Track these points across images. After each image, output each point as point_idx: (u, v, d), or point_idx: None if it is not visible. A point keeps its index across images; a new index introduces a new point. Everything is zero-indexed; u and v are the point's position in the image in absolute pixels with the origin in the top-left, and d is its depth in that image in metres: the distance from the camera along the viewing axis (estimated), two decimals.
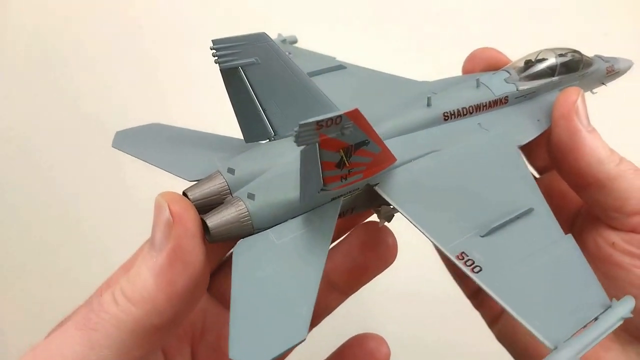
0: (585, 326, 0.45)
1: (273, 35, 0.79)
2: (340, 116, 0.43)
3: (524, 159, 0.62)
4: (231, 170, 0.54)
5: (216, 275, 0.66)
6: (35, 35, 1.43)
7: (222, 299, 0.66)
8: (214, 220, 0.50)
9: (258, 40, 0.52)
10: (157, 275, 0.46)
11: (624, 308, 0.46)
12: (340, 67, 0.74)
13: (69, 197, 1.30)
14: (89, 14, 1.43)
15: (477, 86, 0.66)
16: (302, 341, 0.43)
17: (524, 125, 0.66)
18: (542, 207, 0.54)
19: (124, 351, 0.45)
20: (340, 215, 0.58)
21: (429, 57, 1.22)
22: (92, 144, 1.19)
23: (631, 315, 0.46)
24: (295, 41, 0.81)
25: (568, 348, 0.43)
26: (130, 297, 0.46)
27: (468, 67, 0.75)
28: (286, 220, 0.52)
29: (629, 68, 0.81)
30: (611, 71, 0.77)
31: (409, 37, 1.40)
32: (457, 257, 0.49)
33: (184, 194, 0.52)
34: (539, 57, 0.70)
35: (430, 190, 0.56)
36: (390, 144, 0.57)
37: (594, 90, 0.78)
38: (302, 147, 0.44)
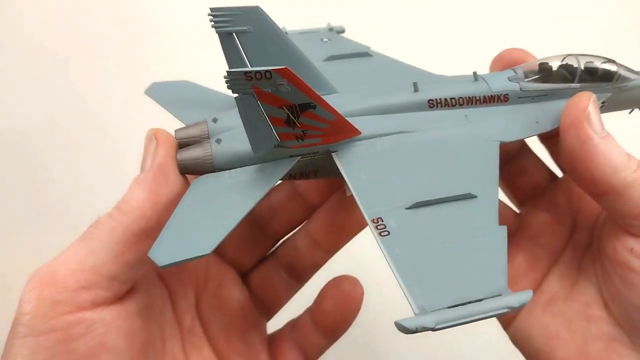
0: (463, 305, 0.45)
1: (324, 24, 0.88)
2: (269, 71, 0.49)
3: (497, 154, 0.61)
4: (215, 120, 0.63)
5: None
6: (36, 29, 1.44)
7: (222, 253, 0.74)
8: (182, 154, 0.60)
9: (252, 12, 0.61)
10: (144, 188, 0.57)
11: (515, 299, 0.45)
12: (366, 54, 0.79)
13: (68, 197, 1.30)
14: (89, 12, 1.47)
15: (475, 80, 0.66)
16: (206, 255, 0.50)
17: (515, 124, 0.65)
18: (487, 197, 0.54)
19: (117, 253, 0.55)
20: (302, 176, 0.64)
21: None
22: (92, 143, 1.27)
23: (518, 307, 0.45)
24: (342, 31, 0.88)
25: (430, 315, 0.44)
26: (121, 208, 0.56)
27: (495, 69, 0.75)
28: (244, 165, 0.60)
29: None
30: None
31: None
32: (372, 221, 0.52)
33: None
34: (562, 62, 0.67)
35: (381, 163, 0.59)
36: (363, 120, 0.62)
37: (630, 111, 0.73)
38: (238, 94, 0.51)
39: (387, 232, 0.51)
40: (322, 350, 0.75)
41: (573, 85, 0.67)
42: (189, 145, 0.62)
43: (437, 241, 0.50)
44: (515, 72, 0.67)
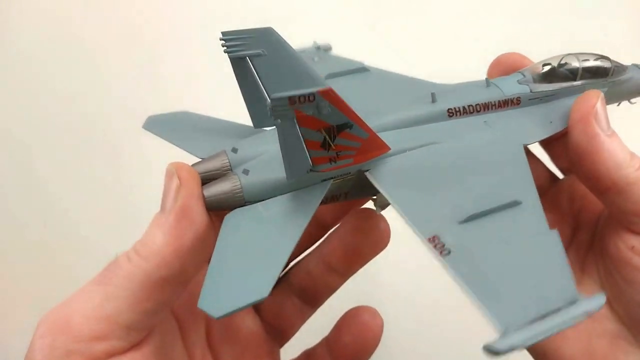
0: (544, 317, 0.44)
1: (309, 43, 0.86)
2: (313, 94, 0.47)
3: (525, 157, 0.61)
4: (235, 150, 0.59)
5: None
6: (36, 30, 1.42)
7: None
8: (210, 189, 0.55)
9: (264, 34, 0.58)
10: (166, 232, 0.52)
11: (591, 304, 0.45)
12: (363, 69, 0.78)
13: (68, 198, 1.30)
14: (89, 10, 1.45)
15: (487, 86, 0.67)
16: (264, 298, 0.46)
17: (533, 126, 0.66)
18: (531, 201, 0.54)
19: (136, 302, 0.50)
20: (333, 200, 0.61)
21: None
22: (93, 143, 1.25)
23: (596, 311, 0.44)
24: (329, 48, 0.86)
25: (517, 333, 0.42)
26: (142, 253, 0.52)
27: (493, 74, 0.75)
28: (276, 196, 0.56)
29: None
30: None
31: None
32: (429, 240, 0.50)
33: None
34: (560, 61, 0.69)
35: (419, 178, 0.58)
36: (388, 135, 0.61)
37: (632, 101, 0.76)
38: (279, 119, 0.48)
39: (447, 251, 0.49)
40: None
41: (575, 83, 0.69)
42: (210, 179, 0.58)
43: (498, 254, 0.49)
44: (523, 75, 0.68)
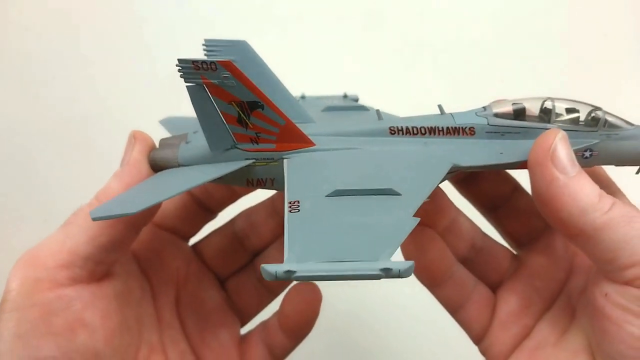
0: (338, 261, 0.43)
1: (340, 92, 0.96)
2: (214, 62, 0.57)
3: (443, 172, 0.60)
4: (195, 132, 0.71)
5: (204, 239, 0.81)
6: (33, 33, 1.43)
7: (203, 258, 0.79)
8: (154, 152, 0.67)
9: (239, 45, 0.71)
10: (120, 180, 0.64)
11: (392, 264, 0.42)
12: (362, 107, 0.84)
13: (69, 198, 1.35)
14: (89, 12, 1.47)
15: (441, 113, 0.68)
16: (128, 214, 0.54)
17: (476, 152, 0.64)
18: (411, 198, 0.53)
19: (92, 236, 0.60)
20: (259, 184, 0.67)
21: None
22: (92, 143, 1.28)
23: (394, 273, 0.42)
24: (356, 100, 0.95)
25: (295, 263, 0.43)
26: (98, 197, 0.64)
27: None
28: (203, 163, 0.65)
29: None
30: None
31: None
32: (289, 203, 0.53)
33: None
34: (533, 103, 0.67)
35: (322, 166, 0.61)
36: (321, 138, 0.66)
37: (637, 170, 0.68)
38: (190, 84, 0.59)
39: (297, 210, 0.52)
40: (287, 350, 0.76)
41: (549, 125, 0.66)
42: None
43: (340, 218, 0.50)
44: (484, 108, 0.68)
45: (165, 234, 0.74)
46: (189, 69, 0.57)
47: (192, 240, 0.81)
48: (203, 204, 0.76)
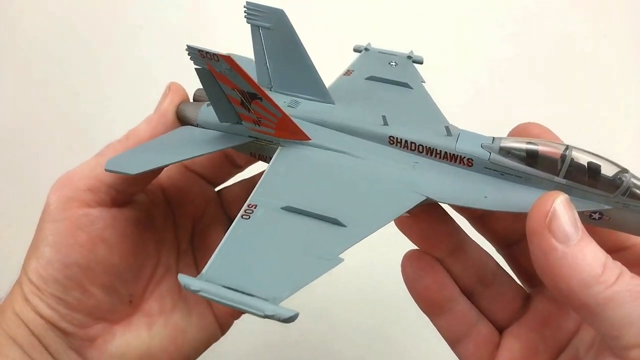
0: (236, 291, 0.50)
1: (407, 49, 0.92)
2: (216, 55, 0.60)
3: (410, 205, 0.60)
4: None
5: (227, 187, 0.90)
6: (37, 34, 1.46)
7: (222, 201, 0.89)
8: (181, 106, 0.75)
9: (277, 13, 0.71)
10: (149, 124, 0.74)
11: (274, 309, 0.47)
12: (407, 85, 0.81)
13: None
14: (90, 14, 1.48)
15: (447, 134, 0.65)
16: (129, 174, 0.65)
17: (459, 189, 0.62)
18: (355, 232, 0.56)
19: None
20: (260, 158, 0.73)
21: None
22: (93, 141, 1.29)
23: (272, 317, 0.47)
24: (420, 61, 0.90)
25: (202, 282, 0.50)
26: (128, 136, 0.74)
27: None
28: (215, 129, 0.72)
29: None
30: None
31: None
32: (248, 205, 0.59)
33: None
34: (552, 148, 0.61)
35: (305, 170, 0.64)
36: (320, 130, 0.69)
37: None
38: (197, 67, 0.64)
39: (248, 217, 0.58)
40: None
41: (557, 179, 0.60)
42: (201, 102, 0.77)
43: (275, 241, 0.55)
44: (492, 140, 0.63)
45: (193, 175, 0.83)
46: (196, 55, 0.62)
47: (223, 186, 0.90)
48: (230, 158, 0.83)
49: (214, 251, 0.84)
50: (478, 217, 0.73)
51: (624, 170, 0.59)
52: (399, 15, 1.46)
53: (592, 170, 0.59)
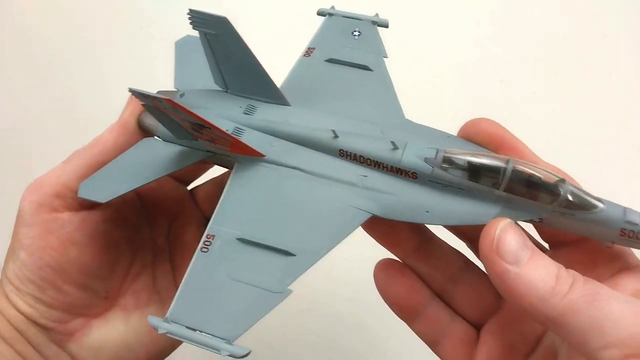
0: (198, 330, 0.57)
1: (372, 13, 0.88)
2: (156, 97, 0.61)
3: (356, 224, 0.64)
4: (182, 95, 0.77)
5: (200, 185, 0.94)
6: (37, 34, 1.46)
7: (195, 198, 0.93)
8: (142, 116, 0.77)
9: (220, 21, 0.69)
10: (111, 132, 0.77)
11: (227, 347, 0.55)
12: (366, 68, 0.80)
13: None
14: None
15: (393, 148, 0.66)
16: (100, 202, 0.70)
17: (403, 204, 0.65)
18: (303, 260, 0.61)
19: (82, 174, 0.72)
20: (223, 165, 0.76)
21: None
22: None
23: (228, 354, 0.55)
24: (385, 25, 0.87)
25: (168, 324, 0.57)
26: (92, 144, 0.77)
27: (462, 136, 0.70)
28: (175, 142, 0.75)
29: None
30: (631, 236, 0.60)
31: None
32: (207, 235, 0.65)
33: None
34: (494, 162, 0.62)
35: (259, 190, 0.68)
36: (275, 143, 0.71)
37: (608, 244, 0.64)
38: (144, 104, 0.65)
39: (207, 250, 0.64)
40: None
41: (497, 192, 0.62)
42: None
43: (231, 277, 0.61)
44: (436, 153, 0.64)
45: (165, 177, 0.84)
46: (140, 96, 0.63)
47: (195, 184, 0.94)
48: None
49: (190, 248, 0.89)
50: None
51: (561, 181, 0.61)
52: None
53: (531, 183, 0.61)
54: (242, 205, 0.67)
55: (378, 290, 0.75)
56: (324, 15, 0.89)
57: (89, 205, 0.77)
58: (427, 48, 1.40)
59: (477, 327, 0.74)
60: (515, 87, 1.35)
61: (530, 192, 0.61)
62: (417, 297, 0.73)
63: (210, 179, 0.93)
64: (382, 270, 0.74)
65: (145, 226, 0.88)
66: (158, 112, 0.66)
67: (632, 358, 0.50)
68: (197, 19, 0.70)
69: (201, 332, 0.58)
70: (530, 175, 0.61)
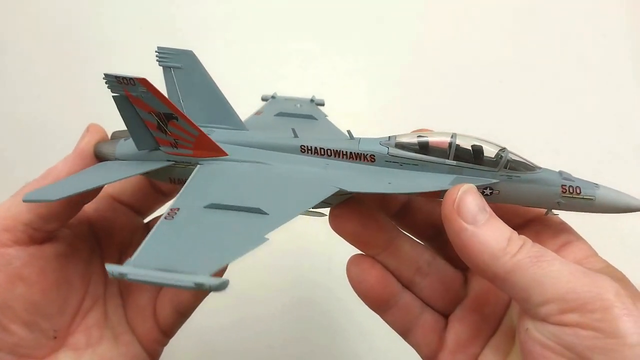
0: (166, 270, 0.51)
1: (309, 96, 1.02)
2: (132, 79, 0.65)
3: (324, 195, 0.65)
4: None
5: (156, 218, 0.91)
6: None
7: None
8: (99, 145, 0.77)
9: (186, 54, 0.79)
10: (65, 163, 0.76)
11: (207, 280, 0.48)
12: (311, 117, 0.90)
13: None
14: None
15: (350, 138, 0.73)
16: (50, 200, 0.65)
17: (366, 179, 0.68)
18: (277, 217, 0.60)
19: (32, 207, 0.70)
20: (180, 182, 0.76)
21: None
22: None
23: (207, 287, 0.48)
24: (322, 103, 1.01)
25: (132, 267, 0.50)
26: (45, 175, 0.75)
27: None
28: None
29: (623, 206, 0.67)
30: (572, 192, 0.67)
31: None
32: (170, 210, 0.61)
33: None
34: (439, 138, 0.70)
35: (222, 179, 0.68)
36: (236, 148, 0.74)
37: (555, 212, 0.70)
38: (115, 94, 0.68)
39: (171, 218, 0.60)
40: (191, 306, 0.80)
41: (448, 161, 0.69)
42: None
43: (200, 229, 0.57)
44: (389, 138, 0.71)
45: (120, 206, 0.85)
46: (113, 82, 0.66)
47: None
48: (157, 187, 0.85)
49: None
50: (396, 215, 0.79)
51: (502, 149, 0.69)
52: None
53: (476, 152, 0.69)
54: (207, 186, 0.66)
55: (351, 284, 0.75)
56: (267, 100, 1.01)
57: (39, 240, 0.73)
58: (427, 48, 1.41)
59: (445, 316, 0.78)
60: (515, 88, 1.36)
61: (477, 159, 0.69)
62: (388, 289, 0.75)
63: None
64: (354, 265, 0.76)
65: (97, 259, 0.81)
66: (127, 106, 0.69)
67: (568, 312, 0.56)
68: (164, 54, 0.79)
69: (170, 271, 0.51)
70: (474, 145, 0.69)
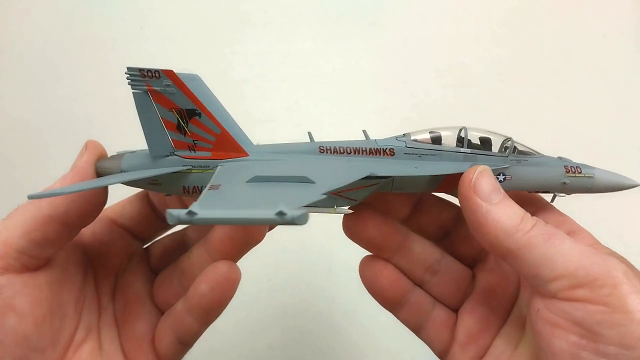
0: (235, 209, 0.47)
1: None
2: (157, 71, 0.65)
3: (360, 175, 0.65)
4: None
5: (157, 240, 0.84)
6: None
7: (150, 256, 0.83)
8: (101, 161, 0.72)
9: (192, 78, 0.78)
10: (62, 181, 0.69)
11: (285, 209, 0.45)
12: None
13: None
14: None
15: (367, 139, 0.75)
16: (58, 194, 0.59)
17: (393, 166, 0.70)
18: (322, 186, 0.58)
19: (26, 231, 0.64)
20: (195, 191, 0.72)
21: None
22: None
23: (287, 217, 0.45)
24: None
25: (198, 208, 0.46)
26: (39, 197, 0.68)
27: None
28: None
29: (616, 184, 0.74)
30: (574, 172, 0.73)
31: None
32: (210, 186, 0.58)
33: None
34: (451, 132, 0.75)
35: (249, 168, 0.66)
36: (257, 151, 0.72)
37: (560, 195, 0.74)
38: (136, 90, 0.66)
39: (216, 189, 0.56)
40: (195, 334, 0.74)
41: (463, 149, 0.73)
42: None
43: (254, 191, 0.55)
44: (404, 135, 0.75)
45: (119, 230, 0.78)
46: (137, 76, 0.65)
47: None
48: (159, 213, 0.79)
49: (134, 304, 0.74)
50: (407, 218, 0.80)
51: (508, 139, 0.75)
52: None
53: (486, 141, 0.74)
54: (239, 172, 0.63)
55: (364, 284, 0.76)
56: None
57: (33, 267, 0.66)
58: (427, 48, 1.40)
59: (455, 311, 0.79)
60: (516, 88, 1.35)
61: (488, 147, 0.74)
62: (401, 288, 0.76)
63: (170, 233, 0.82)
64: (367, 267, 0.77)
65: (90, 284, 0.74)
66: (146, 103, 0.67)
67: (578, 287, 0.60)
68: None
69: (245, 208, 0.47)
70: (483, 137, 0.75)
